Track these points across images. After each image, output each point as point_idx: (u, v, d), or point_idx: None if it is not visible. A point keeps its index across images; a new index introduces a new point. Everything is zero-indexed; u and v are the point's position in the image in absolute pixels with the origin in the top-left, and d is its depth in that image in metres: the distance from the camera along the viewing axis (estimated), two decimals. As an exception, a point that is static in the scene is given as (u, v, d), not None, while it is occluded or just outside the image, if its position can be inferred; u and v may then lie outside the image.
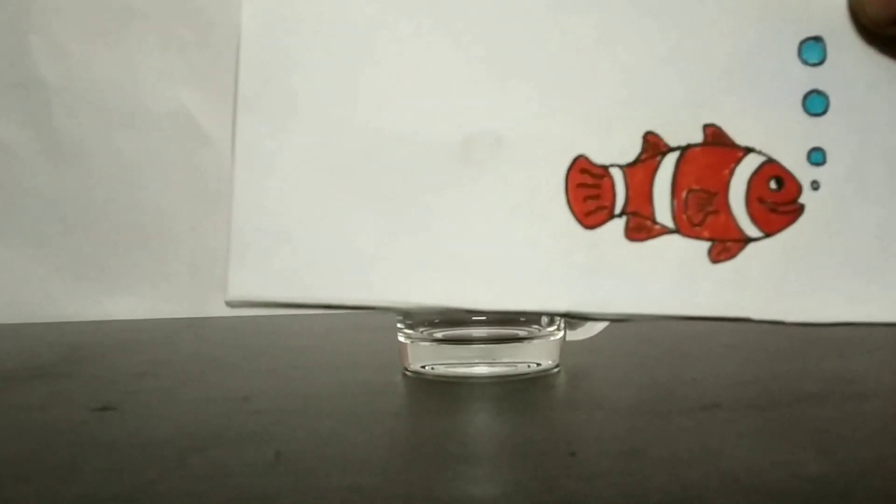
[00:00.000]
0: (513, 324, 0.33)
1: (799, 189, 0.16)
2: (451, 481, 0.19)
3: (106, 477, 0.20)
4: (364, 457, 0.21)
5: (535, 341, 0.32)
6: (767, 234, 0.16)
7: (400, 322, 0.34)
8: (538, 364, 0.32)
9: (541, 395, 0.29)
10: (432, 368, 0.32)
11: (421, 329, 0.33)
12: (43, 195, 0.60)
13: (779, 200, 0.16)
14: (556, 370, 0.33)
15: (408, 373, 0.33)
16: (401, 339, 0.34)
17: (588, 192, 0.16)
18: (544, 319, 0.33)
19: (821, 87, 0.16)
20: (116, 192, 0.60)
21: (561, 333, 0.33)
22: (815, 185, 0.16)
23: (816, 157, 0.16)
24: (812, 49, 0.16)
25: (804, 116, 0.16)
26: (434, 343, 0.32)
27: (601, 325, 0.34)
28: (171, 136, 0.60)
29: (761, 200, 0.16)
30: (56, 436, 0.25)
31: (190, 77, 0.60)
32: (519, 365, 0.32)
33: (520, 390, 0.30)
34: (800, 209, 0.16)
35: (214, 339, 0.49)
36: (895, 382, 0.30)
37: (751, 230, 0.16)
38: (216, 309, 0.60)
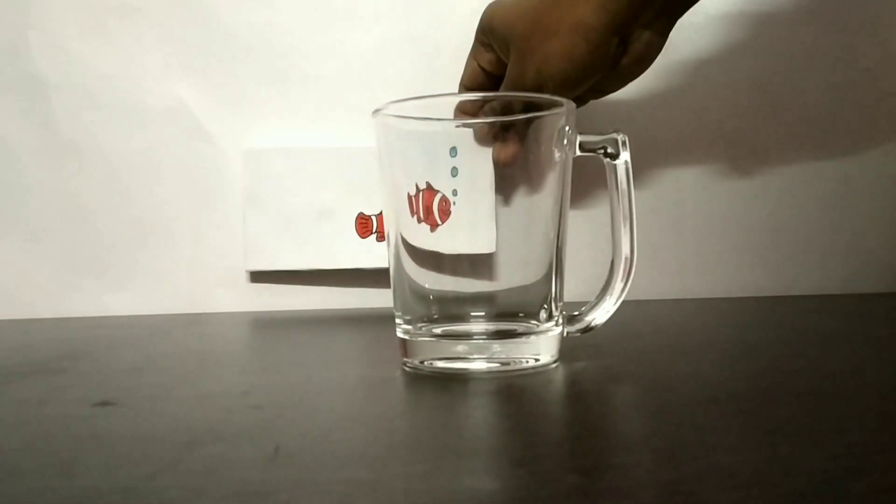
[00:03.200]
0: (512, 319, 0.33)
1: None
2: (450, 475, 0.19)
3: (105, 471, 0.20)
4: (363, 451, 0.21)
5: (533, 336, 0.32)
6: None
7: (399, 317, 0.34)
8: (537, 359, 0.32)
9: (540, 389, 0.29)
10: (431, 363, 0.32)
11: (420, 324, 0.33)
12: (43, 192, 0.60)
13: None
14: (554, 365, 0.33)
15: (407, 368, 0.33)
16: (400, 334, 0.34)
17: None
18: (543, 315, 0.33)
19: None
20: (116, 188, 0.60)
21: (559, 329, 0.33)
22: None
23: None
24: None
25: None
26: (433, 338, 0.32)
27: (600, 321, 0.34)
28: (171, 131, 0.60)
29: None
30: (56, 430, 0.25)
31: (189, 73, 0.60)
32: (518, 360, 0.32)
33: (519, 385, 0.30)
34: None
35: (214, 334, 0.50)
36: (891, 378, 0.31)
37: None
38: (216, 304, 0.60)
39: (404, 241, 0.33)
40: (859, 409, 0.25)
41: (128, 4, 0.59)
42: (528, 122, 0.32)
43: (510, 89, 0.43)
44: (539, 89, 0.41)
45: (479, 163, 0.33)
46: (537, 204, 0.33)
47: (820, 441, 0.21)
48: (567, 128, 0.33)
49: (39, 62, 0.59)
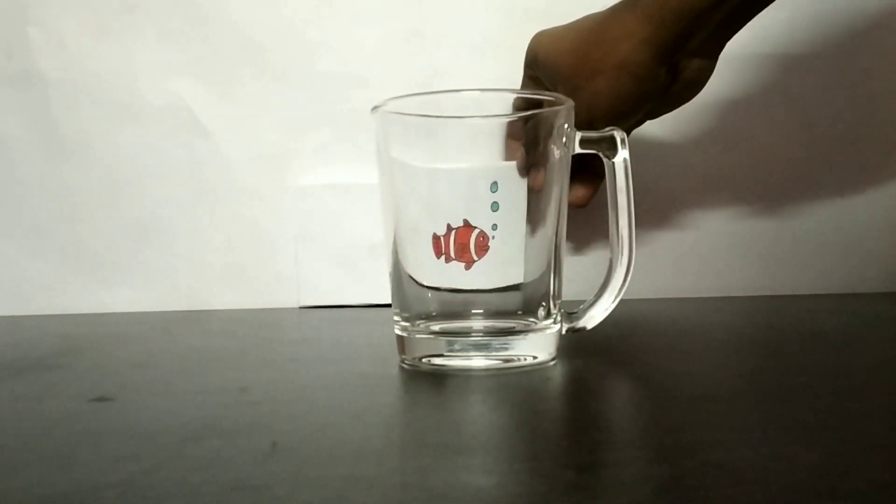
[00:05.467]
0: (509, 317, 0.33)
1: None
2: (448, 471, 0.19)
3: (103, 466, 0.20)
4: (360, 447, 0.21)
5: (531, 334, 0.32)
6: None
7: (396, 315, 0.34)
8: (535, 357, 0.32)
9: (537, 387, 0.29)
10: (429, 361, 0.32)
11: (418, 322, 0.33)
12: (41, 188, 0.60)
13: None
14: (552, 363, 0.33)
15: (405, 365, 0.33)
16: (397, 331, 0.34)
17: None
18: (541, 312, 0.33)
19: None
20: (114, 185, 0.60)
21: (557, 327, 0.33)
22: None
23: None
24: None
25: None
26: (431, 336, 0.32)
27: (598, 319, 0.34)
28: (169, 128, 0.60)
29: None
30: (54, 426, 0.25)
31: (188, 70, 0.60)
32: (516, 357, 0.32)
33: (516, 382, 0.30)
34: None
35: (211, 331, 0.50)
36: (884, 376, 0.31)
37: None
38: (213, 301, 0.60)
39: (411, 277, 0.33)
40: (857, 407, 0.25)
41: (128, 1, 0.59)
42: (535, 128, 0.32)
43: None
44: (590, 124, 0.40)
45: (519, 195, 0.32)
46: (536, 201, 0.33)
47: (817, 438, 0.21)
48: (566, 125, 0.33)
49: (38, 59, 0.59)
